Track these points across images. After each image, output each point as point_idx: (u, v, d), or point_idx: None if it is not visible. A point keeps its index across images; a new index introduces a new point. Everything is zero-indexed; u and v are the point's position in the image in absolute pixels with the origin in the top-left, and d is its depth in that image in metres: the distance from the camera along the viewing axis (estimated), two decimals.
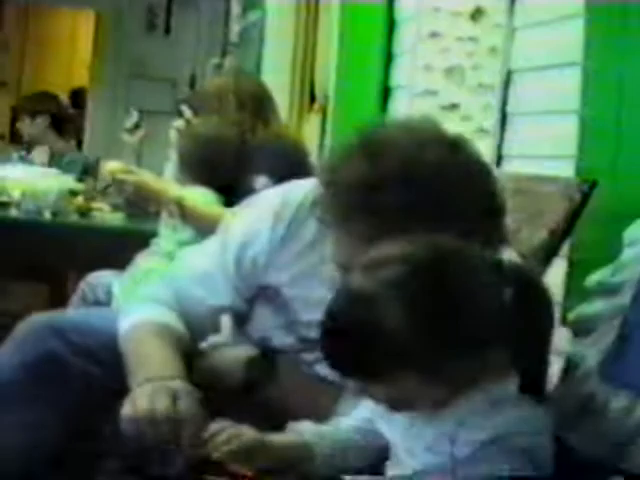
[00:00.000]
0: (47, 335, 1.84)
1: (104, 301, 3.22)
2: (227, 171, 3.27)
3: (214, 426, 1.55)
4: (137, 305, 1.92)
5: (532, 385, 1.42)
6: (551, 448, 1.42)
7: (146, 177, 3.37)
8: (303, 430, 1.58)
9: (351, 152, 1.60)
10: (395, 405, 1.44)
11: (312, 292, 1.80)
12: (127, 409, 1.62)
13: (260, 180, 3.18)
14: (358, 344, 1.37)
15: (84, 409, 1.83)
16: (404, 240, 1.42)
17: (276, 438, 1.56)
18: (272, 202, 1.89)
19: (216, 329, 1.94)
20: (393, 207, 1.51)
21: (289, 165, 3.21)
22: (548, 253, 2.29)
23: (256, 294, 1.90)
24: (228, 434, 1.54)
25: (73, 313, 2.57)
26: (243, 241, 1.88)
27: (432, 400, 1.41)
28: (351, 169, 1.57)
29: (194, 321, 1.88)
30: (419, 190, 1.52)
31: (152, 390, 1.64)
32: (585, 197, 2.31)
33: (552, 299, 1.46)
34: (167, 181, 3.60)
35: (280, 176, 3.06)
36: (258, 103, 3.46)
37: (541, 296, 1.43)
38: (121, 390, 1.70)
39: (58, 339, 1.84)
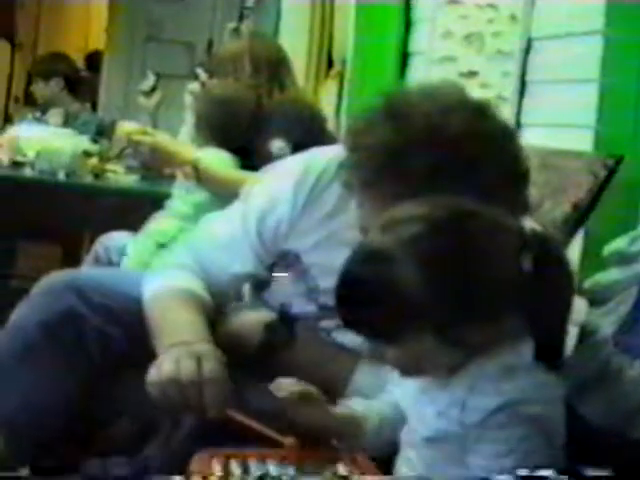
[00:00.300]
0: (67, 293, 1.83)
1: (117, 262, 3.21)
2: (243, 133, 3.26)
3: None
4: (161, 272, 1.92)
5: (549, 353, 1.40)
6: (563, 417, 1.40)
7: (162, 139, 3.36)
8: (354, 405, 1.58)
9: (376, 116, 1.59)
10: (408, 369, 1.43)
11: (332, 259, 1.76)
12: (153, 374, 1.62)
13: (276, 144, 3.16)
14: (373, 302, 1.36)
15: (101, 369, 1.82)
16: (423, 201, 1.41)
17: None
18: (294, 170, 1.88)
19: (239, 297, 1.93)
20: (418, 171, 1.51)
21: (305, 129, 3.19)
22: (570, 227, 2.29)
23: (276, 261, 1.89)
24: (294, 381, 1.53)
25: (92, 272, 2.55)
26: (264, 209, 1.87)
27: (445, 365, 1.40)
28: (376, 133, 1.56)
29: (217, 288, 1.88)
30: (444, 154, 1.51)
31: (177, 354, 1.63)
32: (610, 173, 2.30)
33: (572, 268, 1.44)
34: (183, 143, 3.59)
35: (296, 140, 3.06)
36: (274, 67, 3.44)
37: (561, 264, 1.41)
38: (140, 352, 1.70)
39: (77, 297, 1.83)
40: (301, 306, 1.84)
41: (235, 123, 3.25)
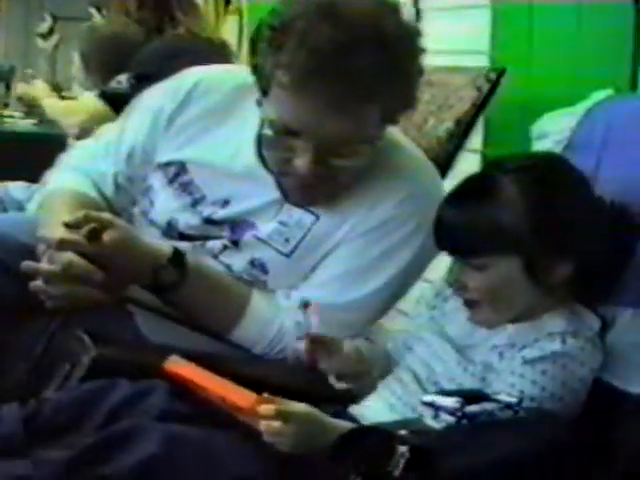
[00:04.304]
0: None
1: None
2: (126, 70, 3.17)
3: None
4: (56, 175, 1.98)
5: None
6: (586, 390, 1.44)
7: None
8: (362, 346, 1.65)
9: (315, 16, 1.59)
10: (486, 298, 1.48)
11: (215, 169, 1.83)
12: None
13: None
14: (474, 221, 1.46)
15: None
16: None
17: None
18: (167, 83, 1.95)
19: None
20: (363, 70, 1.56)
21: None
22: (454, 143, 2.30)
23: (158, 176, 1.89)
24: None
25: None
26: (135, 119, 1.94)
27: (522, 303, 1.47)
28: (319, 32, 1.57)
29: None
30: (386, 53, 1.58)
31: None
32: (494, 86, 2.31)
33: None
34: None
35: None
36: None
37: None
38: (32, 299, 1.66)
39: None
40: (187, 220, 1.84)
41: (116, 60, 3.17)
